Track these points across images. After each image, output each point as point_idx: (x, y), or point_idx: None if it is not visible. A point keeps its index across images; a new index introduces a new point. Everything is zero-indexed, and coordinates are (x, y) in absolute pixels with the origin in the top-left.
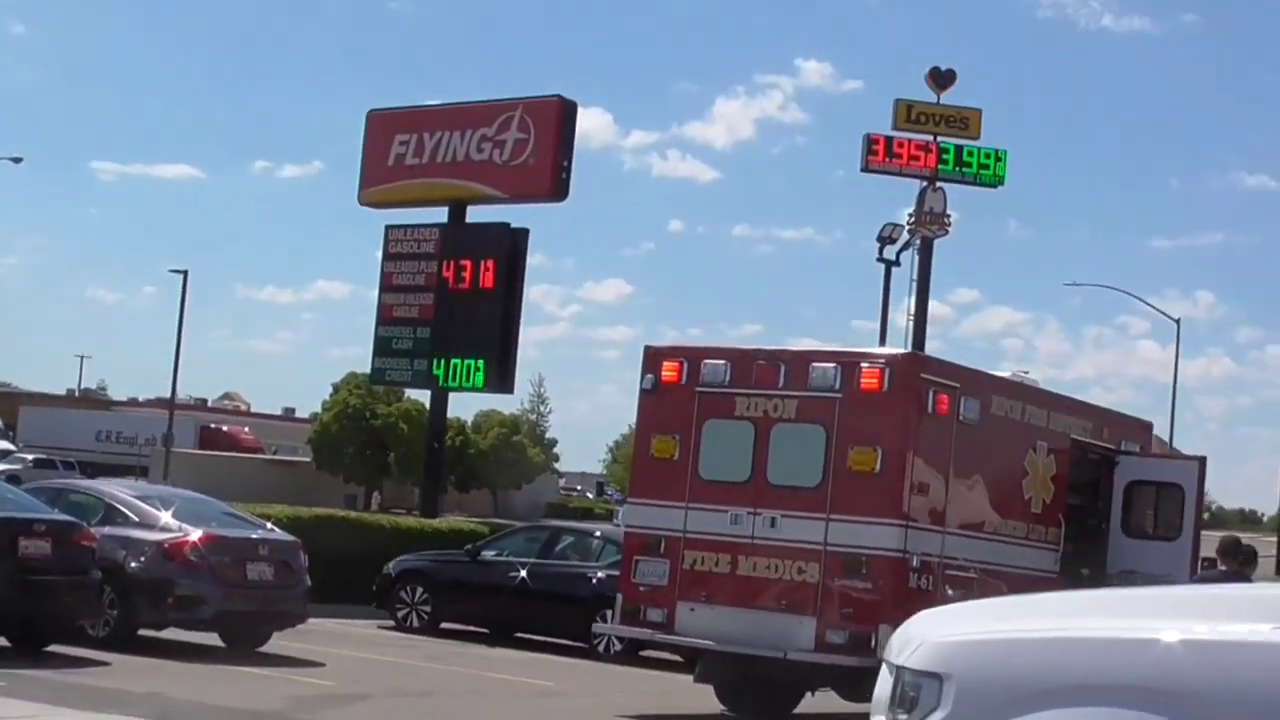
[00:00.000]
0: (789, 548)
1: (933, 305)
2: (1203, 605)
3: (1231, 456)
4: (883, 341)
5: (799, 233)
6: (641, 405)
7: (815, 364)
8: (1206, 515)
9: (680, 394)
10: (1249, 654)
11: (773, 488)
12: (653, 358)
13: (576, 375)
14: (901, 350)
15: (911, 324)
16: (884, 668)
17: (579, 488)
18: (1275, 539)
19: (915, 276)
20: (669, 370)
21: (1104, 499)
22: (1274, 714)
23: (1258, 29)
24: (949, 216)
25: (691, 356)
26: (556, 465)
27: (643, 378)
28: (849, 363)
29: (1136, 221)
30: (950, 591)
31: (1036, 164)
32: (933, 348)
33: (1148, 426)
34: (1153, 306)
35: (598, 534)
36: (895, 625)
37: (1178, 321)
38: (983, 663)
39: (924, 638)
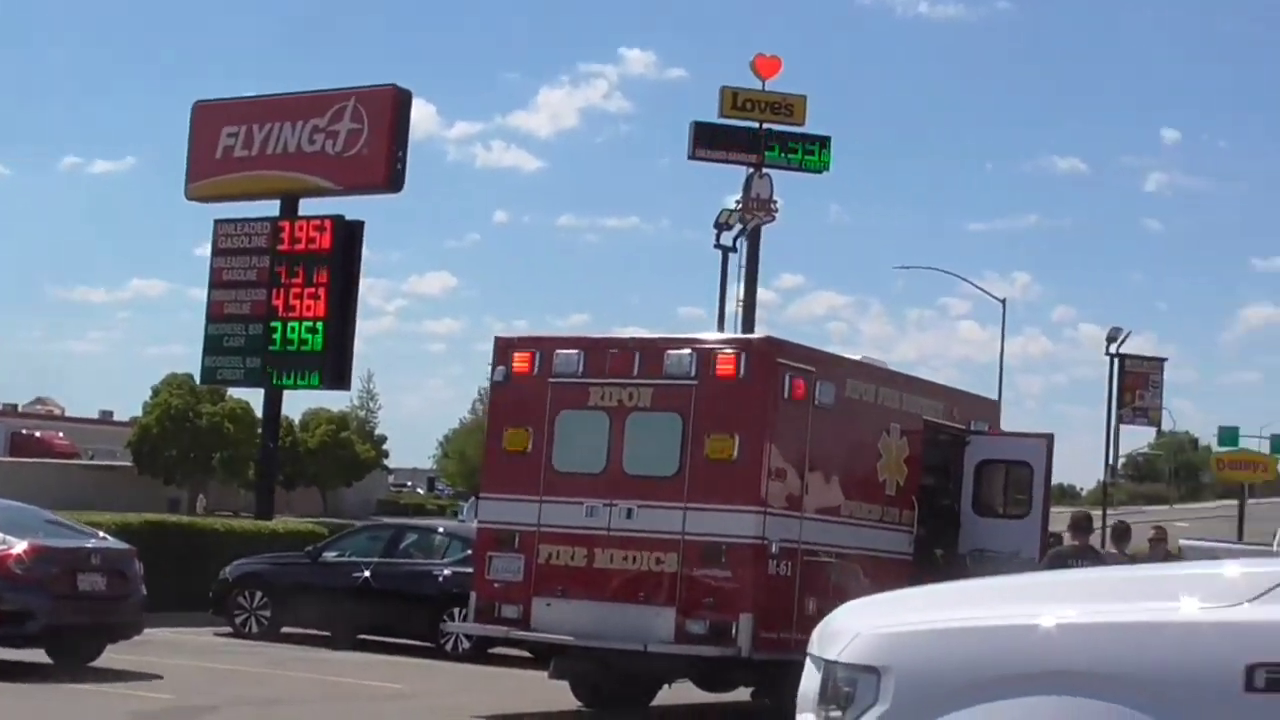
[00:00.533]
0: (646, 538)
1: (760, 291)
2: (1143, 586)
3: (1051, 432)
4: (721, 329)
5: (624, 221)
6: (493, 398)
7: (670, 351)
8: None
9: (533, 385)
10: (1197, 634)
11: (629, 478)
12: (503, 349)
13: (404, 370)
14: (757, 335)
15: (741, 310)
16: (809, 663)
17: (409, 484)
18: (1101, 512)
19: (744, 263)
20: (520, 361)
21: (955, 479)
22: (1217, 691)
23: (1068, 15)
24: (775, 202)
25: (543, 347)
26: (386, 462)
27: (493, 370)
28: (704, 349)
29: (955, 205)
30: (806, 576)
31: (859, 149)
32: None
33: (995, 405)
34: (978, 287)
35: (442, 530)
36: (756, 613)
37: (1003, 301)
38: (923, 654)
39: (856, 630)
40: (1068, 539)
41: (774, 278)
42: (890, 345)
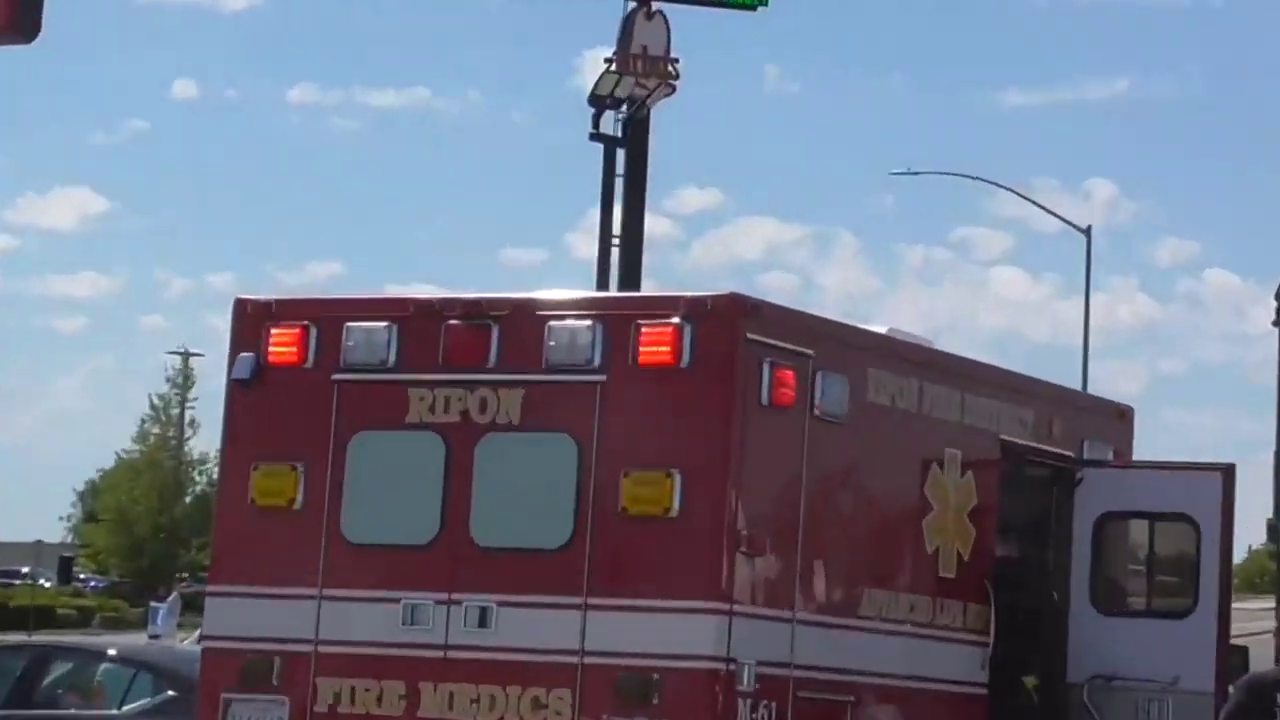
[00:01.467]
0: (514, 663)
1: (649, 219)
2: None
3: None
4: (604, 278)
5: (409, 96)
6: (231, 408)
7: (555, 322)
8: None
9: (304, 385)
10: None
11: (482, 554)
12: (250, 320)
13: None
14: (712, 292)
15: (620, 250)
16: None
17: (23, 571)
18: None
19: (624, 169)
20: (282, 343)
21: (1059, 546)
22: None
23: None
24: (674, 62)
25: (323, 316)
26: None
27: (231, 358)
28: (617, 317)
29: (980, 63)
30: None
31: None
32: (647, 288)
33: (1125, 415)
34: (1040, 207)
35: (114, 654)
36: None
37: (1087, 231)
38: None
39: None
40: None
41: (668, 196)
42: (870, 310)
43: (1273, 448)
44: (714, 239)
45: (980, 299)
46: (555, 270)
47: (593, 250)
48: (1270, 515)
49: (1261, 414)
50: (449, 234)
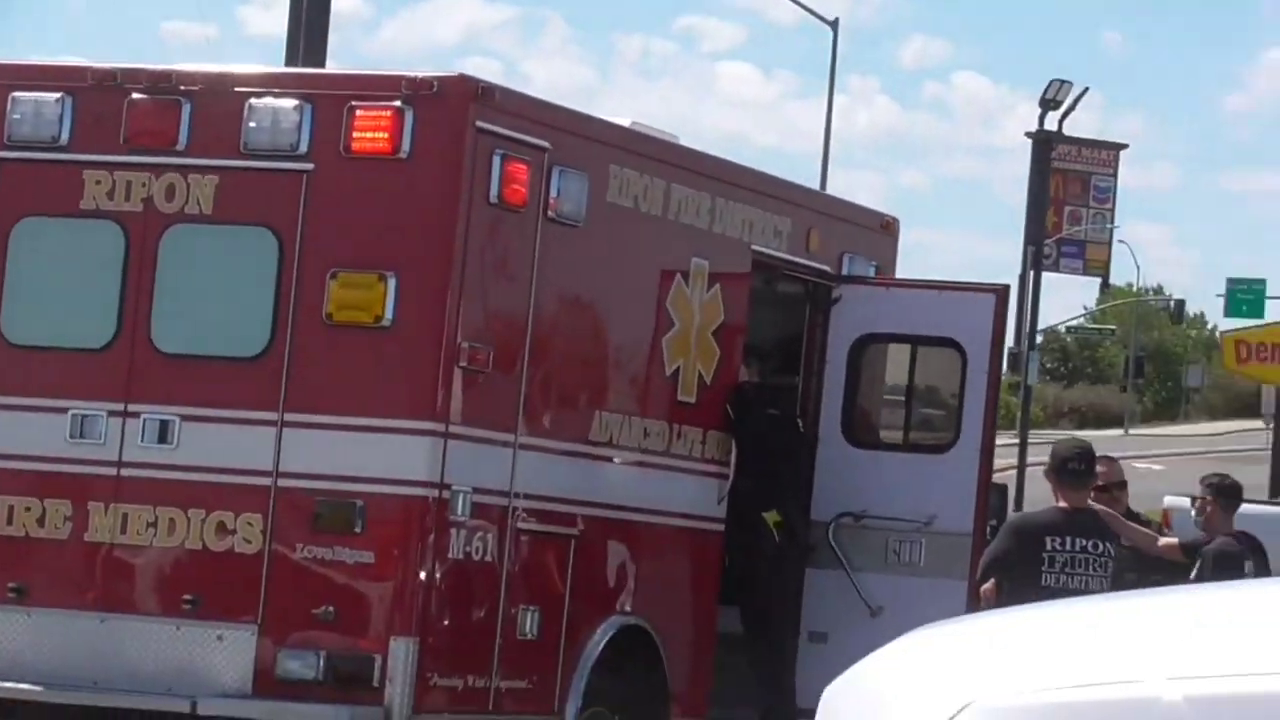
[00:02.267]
0: (199, 484)
1: None
2: None
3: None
4: (294, 58)
5: None
6: None
7: (256, 100)
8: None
9: None
10: None
11: (164, 360)
12: None
13: None
14: (439, 73)
15: (296, 30)
16: None
17: None
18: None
19: None
20: None
21: (810, 372)
22: None
23: None
24: None
25: None
26: None
27: None
28: (329, 97)
29: None
30: (525, 562)
31: None
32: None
33: (891, 226)
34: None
35: None
36: (420, 637)
37: (834, 24)
38: None
39: (960, 698)
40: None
41: None
42: (580, 106)
43: (1017, 270)
44: (406, 19)
45: (705, 97)
46: (227, 49)
47: (267, 26)
48: (1012, 343)
49: (1008, 235)
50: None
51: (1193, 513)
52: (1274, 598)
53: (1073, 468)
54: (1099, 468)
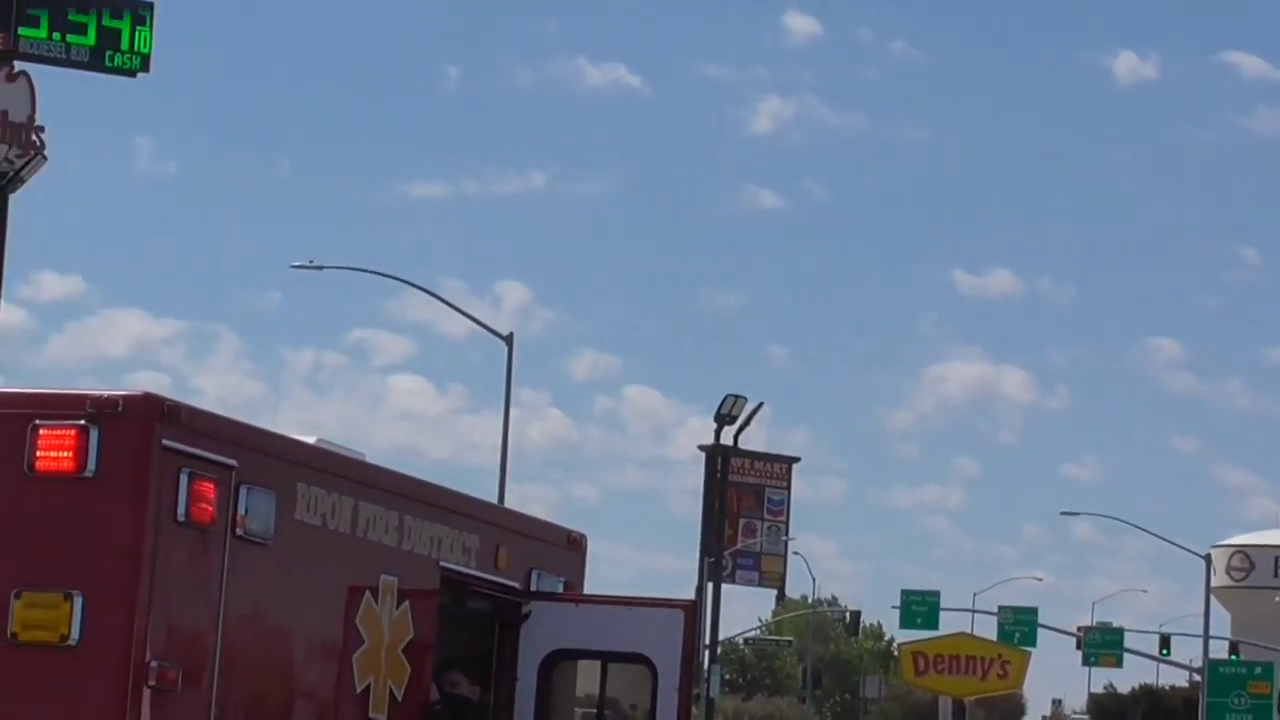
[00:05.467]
0: None
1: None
2: None
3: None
4: None
5: None
6: None
7: None
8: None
9: None
10: None
11: None
12: None
13: None
14: (124, 391)
15: None
16: None
17: None
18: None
19: None
20: None
21: (501, 687)
22: None
23: None
24: (39, 131)
25: None
26: None
27: None
28: (10, 416)
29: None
30: None
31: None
32: None
33: (579, 542)
34: (462, 312)
35: None
36: None
37: (509, 338)
38: None
39: None
40: None
41: (23, 281)
42: (251, 420)
43: (694, 582)
44: (75, 332)
45: (379, 409)
46: None
47: None
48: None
49: (684, 547)
50: None
51: None
52: None
53: None
54: None
